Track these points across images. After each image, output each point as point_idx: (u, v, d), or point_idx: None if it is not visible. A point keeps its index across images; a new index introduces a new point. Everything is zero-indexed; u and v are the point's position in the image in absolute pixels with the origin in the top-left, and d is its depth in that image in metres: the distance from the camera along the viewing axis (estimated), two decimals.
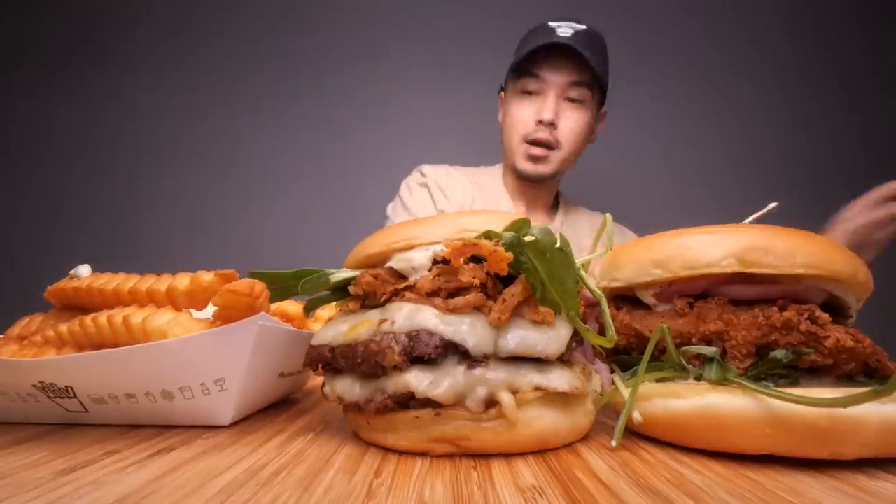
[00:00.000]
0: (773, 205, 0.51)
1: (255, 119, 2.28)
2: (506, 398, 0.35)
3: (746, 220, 0.49)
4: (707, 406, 0.36)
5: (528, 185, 1.42)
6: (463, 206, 1.43)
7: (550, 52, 1.30)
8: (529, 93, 1.35)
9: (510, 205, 1.46)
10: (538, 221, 1.44)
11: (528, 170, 1.36)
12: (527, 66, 1.33)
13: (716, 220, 0.44)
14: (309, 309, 0.46)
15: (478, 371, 0.35)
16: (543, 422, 0.36)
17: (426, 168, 1.50)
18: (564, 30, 1.32)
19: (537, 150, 1.34)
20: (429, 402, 0.35)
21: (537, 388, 0.36)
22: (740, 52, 2.37)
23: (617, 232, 1.55)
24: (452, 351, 0.35)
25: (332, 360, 0.40)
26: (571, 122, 1.35)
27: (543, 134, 1.33)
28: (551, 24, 1.36)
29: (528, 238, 0.35)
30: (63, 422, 0.46)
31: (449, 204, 1.43)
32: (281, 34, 2.29)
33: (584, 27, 1.34)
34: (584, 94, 1.34)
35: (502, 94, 1.47)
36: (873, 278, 0.42)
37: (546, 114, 1.31)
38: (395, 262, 0.40)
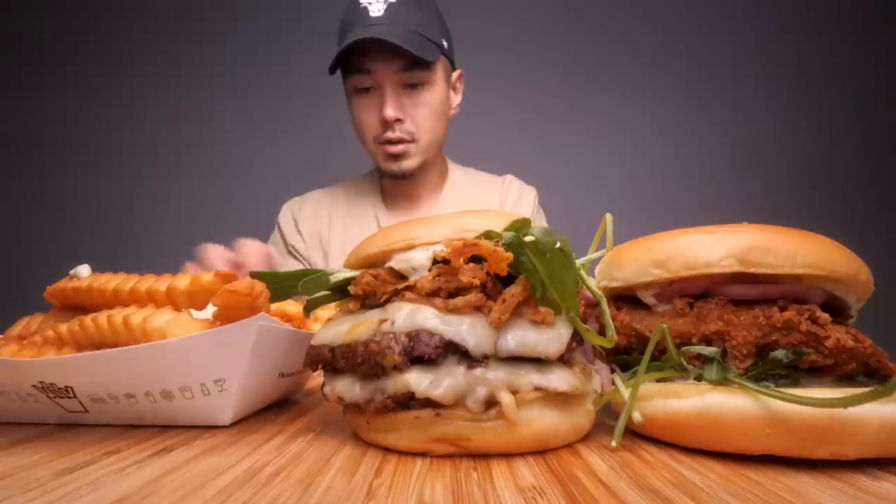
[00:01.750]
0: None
1: (257, 120, 2.28)
2: (506, 398, 0.35)
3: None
4: (707, 406, 0.36)
5: (401, 179, 1.34)
6: (317, 232, 1.40)
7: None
8: (365, 89, 1.24)
9: (380, 208, 1.41)
10: (429, 202, 1.40)
11: (394, 169, 1.29)
12: (352, 62, 1.21)
13: (716, 220, 0.44)
14: (309, 309, 0.46)
15: (478, 371, 0.35)
16: (543, 422, 0.36)
17: (285, 207, 1.48)
18: (376, 7, 1.19)
19: (394, 149, 1.26)
20: (429, 403, 0.35)
21: (537, 389, 0.36)
22: (741, 52, 2.37)
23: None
24: (452, 351, 0.36)
25: (332, 360, 0.40)
26: (418, 109, 1.25)
27: (393, 133, 1.24)
28: (361, 2, 1.21)
29: (528, 238, 0.35)
30: (63, 422, 0.46)
31: (301, 237, 1.41)
32: (282, 35, 2.29)
33: None
34: (423, 75, 1.23)
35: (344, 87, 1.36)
36: (873, 278, 0.42)
37: (388, 111, 1.21)
38: (395, 262, 0.40)
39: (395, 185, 1.39)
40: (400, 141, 1.25)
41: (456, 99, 1.40)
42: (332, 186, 1.50)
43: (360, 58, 1.20)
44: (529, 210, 1.45)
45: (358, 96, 1.26)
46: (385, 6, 1.19)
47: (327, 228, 1.41)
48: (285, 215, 1.47)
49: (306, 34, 2.28)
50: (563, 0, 2.33)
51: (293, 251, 1.42)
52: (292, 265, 1.41)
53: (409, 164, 1.28)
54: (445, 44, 1.29)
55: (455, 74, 1.38)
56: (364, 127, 1.28)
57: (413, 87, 1.24)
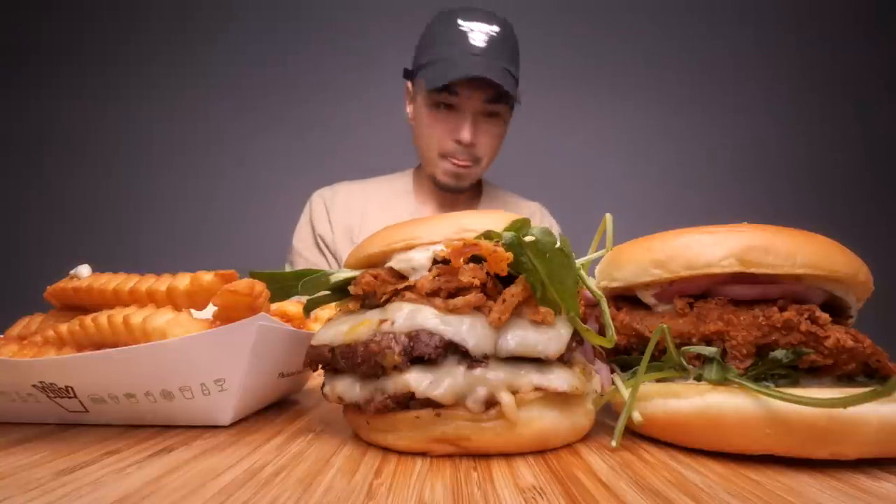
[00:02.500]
0: None
1: (255, 119, 2.28)
2: (506, 398, 0.35)
3: None
4: (707, 406, 0.36)
5: (447, 190, 1.40)
6: (351, 225, 1.41)
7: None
8: (444, 105, 1.29)
9: (414, 209, 1.43)
10: None
11: (451, 184, 1.36)
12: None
13: (716, 220, 0.44)
14: (309, 309, 0.46)
15: (478, 371, 0.35)
16: (543, 422, 0.36)
17: (315, 194, 1.49)
18: (477, 36, 1.24)
19: (458, 169, 1.33)
20: (429, 403, 0.35)
21: (537, 389, 0.36)
22: (741, 55, 2.37)
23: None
24: (452, 351, 0.35)
25: (332, 360, 0.40)
26: (489, 137, 1.33)
27: (463, 155, 1.31)
28: (461, 24, 1.26)
29: (528, 238, 0.35)
30: (63, 422, 0.46)
31: (331, 226, 1.41)
32: (282, 36, 2.29)
33: (496, 29, 1.26)
34: (501, 108, 1.31)
35: (410, 85, 1.40)
36: (873, 278, 0.42)
37: (465, 135, 1.28)
38: (395, 262, 0.40)
39: (433, 194, 1.43)
40: (465, 162, 1.32)
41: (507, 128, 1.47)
42: (363, 181, 1.51)
43: (454, 80, 1.25)
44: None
45: (436, 109, 1.31)
46: (487, 38, 1.24)
47: (359, 223, 1.41)
48: (316, 203, 1.46)
49: (303, 34, 2.29)
50: (563, 2, 2.33)
51: (320, 241, 1.42)
52: (315, 256, 1.42)
53: (465, 182, 1.36)
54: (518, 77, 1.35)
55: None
56: (433, 139, 1.32)
57: (489, 115, 1.31)
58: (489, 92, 1.25)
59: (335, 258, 1.41)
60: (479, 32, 1.25)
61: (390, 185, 1.48)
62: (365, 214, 1.42)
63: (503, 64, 1.25)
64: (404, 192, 1.46)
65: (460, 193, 1.41)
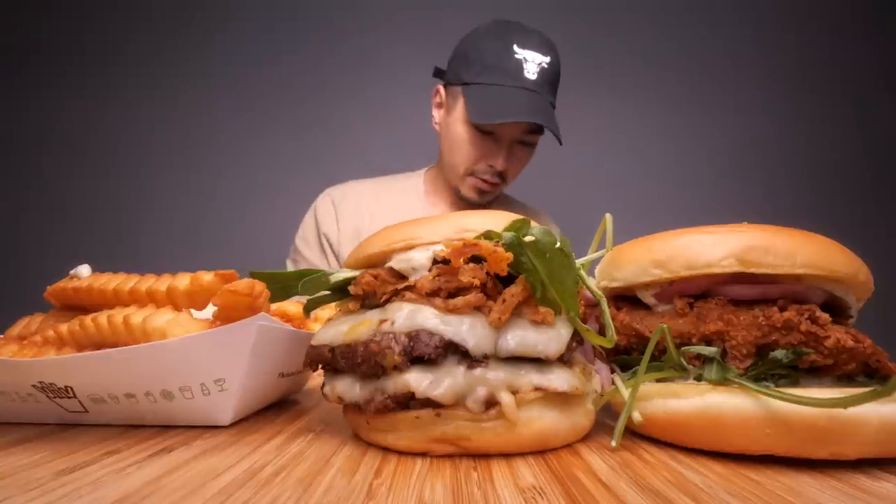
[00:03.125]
0: None
1: (255, 119, 2.28)
2: (506, 398, 0.35)
3: None
4: (707, 406, 0.36)
5: (467, 203, 1.40)
6: (359, 226, 1.39)
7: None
8: (488, 132, 1.28)
9: (425, 213, 1.43)
10: None
11: (476, 200, 1.37)
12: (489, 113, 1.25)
13: (716, 220, 0.44)
14: (309, 309, 0.46)
15: (478, 371, 0.35)
16: (543, 422, 0.36)
17: (323, 193, 1.48)
18: (531, 67, 1.23)
19: (485, 187, 1.33)
20: (429, 403, 0.35)
21: (537, 389, 0.36)
22: (740, 54, 2.37)
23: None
24: (452, 351, 0.35)
25: (332, 360, 0.40)
26: (519, 163, 1.35)
27: (492, 178, 1.32)
28: (517, 51, 1.24)
29: (528, 238, 0.35)
30: (63, 422, 0.46)
31: (337, 226, 1.40)
32: (281, 36, 2.29)
33: (548, 60, 1.25)
34: (536, 138, 1.32)
35: (441, 90, 1.38)
36: (873, 278, 0.42)
37: (500, 163, 1.28)
38: (395, 262, 0.40)
39: (446, 197, 1.43)
40: (493, 182, 1.33)
41: None
42: (373, 180, 1.50)
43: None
44: None
45: (478, 134, 1.29)
46: (538, 69, 1.24)
47: (368, 225, 1.40)
48: (323, 202, 1.45)
49: (302, 34, 2.29)
50: (563, 2, 2.34)
51: (324, 240, 1.41)
52: (316, 257, 1.40)
53: (489, 198, 1.38)
54: (552, 101, 1.34)
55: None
56: (467, 157, 1.31)
57: (524, 144, 1.32)
58: (532, 125, 1.26)
59: (338, 259, 1.40)
60: (532, 63, 1.24)
61: (401, 187, 1.48)
62: (374, 216, 1.41)
63: (549, 98, 1.26)
64: (415, 195, 1.46)
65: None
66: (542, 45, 1.26)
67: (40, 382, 0.42)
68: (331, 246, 1.40)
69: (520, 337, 0.36)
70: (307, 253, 1.41)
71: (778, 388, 0.34)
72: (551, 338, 0.37)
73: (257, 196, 2.23)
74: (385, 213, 1.41)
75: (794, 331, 0.36)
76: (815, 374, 0.37)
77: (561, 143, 1.27)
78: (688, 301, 0.41)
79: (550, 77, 1.26)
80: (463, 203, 1.41)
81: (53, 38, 2.26)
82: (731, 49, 2.37)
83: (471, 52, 1.29)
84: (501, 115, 1.20)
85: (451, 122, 1.33)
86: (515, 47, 1.24)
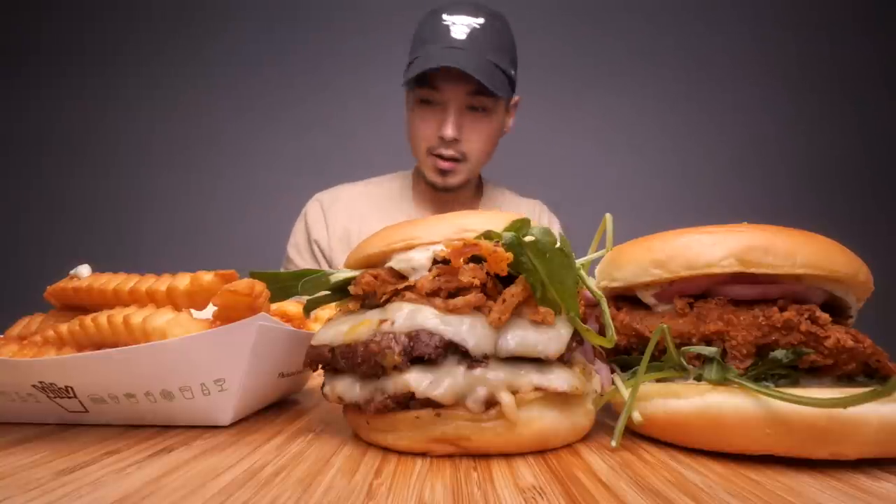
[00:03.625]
0: None
1: (255, 119, 2.28)
2: (506, 398, 0.35)
3: None
4: (707, 406, 0.36)
5: (440, 191, 1.37)
6: (348, 227, 1.39)
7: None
8: (428, 101, 1.26)
9: (413, 212, 1.41)
10: None
11: (438, 182, 1.33)
12: (422, 75, 1.21)
13: (715, 220, 0.44)
14: (309, 309, 0.46)
15: (478, 371, 0.35)
16: (543, 422, 0.36)
17: (312, 199, 1.47)
18: (459, 29, 1.20)
19: (444, 164, 1.29)
20: (429, 403, 0.35)
21: (537, 389, 0.36)
22: (740, 52, 2.37)
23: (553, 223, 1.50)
24: (452, 351, 0.35)
25: (332, 360, 0.40)
26: (476, 134, 1.29)
27: (448, 151, 1.27)
28: (444, 18, 1.22)
29: (528, 238, 0.35)
30: (63, 422, 0.46)
31: (327, 231, 1.39)
32: (281, 36, 2.29)
33: (480, 20, 1.22)
34: (488, 102, 1.26)
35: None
36: (873, 278, 0.42)
37: (448, 131, 1.24)
38: (395, 262, 0.40)
39: (431, 195, 1.41)
40: (451, 159, 1.29)
41: (510, 122, 1.42)
42: (362, 183, 1.49)
43: (431, 74, 1.21)
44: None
45: (420, 107, 1.28)
46: (468, 30, 1.20)
47: (358, 227, 1.39)
48: (312, 208, 1.44)
49: (301, 34, 2.29)
50: (563, 2, 2.34)
51: (315, 246, 1.40)
52: (308, 263, 1.39)
53: (454, 180, 1.33)
54: (514, 73, 1.31)
55: (514, 100, 1.39)
56: (420, 137, 1.30)
57: (475, 110, 1.27)
58: (471, 85, 1.20)
59: (329, 264, 1.39)
60: (461, 25, 1.21)
61: (389, 186, 1.47)
62: (364, 217, 1.40)
63: (487, 56, 1.20)
64: (403, 194, 1.45)
65: (455, 193, 1.38)
66: (474, 10, 1.23)
67: (40, 382, 0.42)
68: (322, 252, 1.40)
69: (520, 337, 0.36)
70: (299, 261, 1.41)
71: (778, 388, 0.34)
72: (551, 338, 0.37)
73: (257, 196, 2.23)
74: (375, 213, 1.40)
75: (794, 331, 0.36)
76: (815, 374, 0.37)
77: (483, 93, 1.22)
78: (688, 301, 0.41)
79: (487, 36, 1.22)
80: (445, 195, 1.38)
81: (53, 38, 2.26)
82: (730, 48, 2.37)
83: (412, 42, 1.29)
84: (423, 67, 1.18)
85: (408, 108, 1.33)
86: (444, 16, 1.23)
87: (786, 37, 2.37)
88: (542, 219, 1.51)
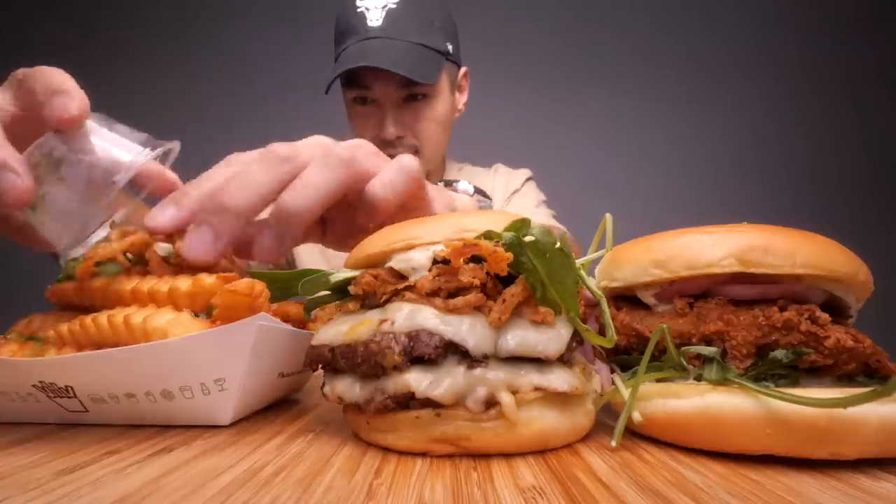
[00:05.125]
0: None
1: (255, 119, 2.28)
2: (506, 398, 0.35)
3: None
4: (707, 406, 0.36)
5: None
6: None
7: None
8: (363, 100, 1.17)
9: None
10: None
11: None
12: (349, 74, 1.12)
13: (715, 219, 0.44)
14: (309, 309, 0.46)
15: (478, 371, 0.35)
16: (543, 422, 0.36)
17: None
18: (374, 13, 1.11)
19: None
20: (429, 403, 0.35)
21: (537, 389, 0.36)
22: (740, 53, 2.37)
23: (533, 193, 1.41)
24: (452, 351, 0.36)
25: (332, 360, 0.40)
26: (422, 124, 1.18)
27: (396, 150, 1.18)
28: (358, 5, 1.12)
29: (528, 238, 0.35)
30: (63, 422, 0.46)
31: None
32: (281, 35, 2.30)
33: (395, 1, 1.11)
34: (425, 88, 1.15)
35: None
36: (873, 278, 0.42)
37: (388, 130, 1.15)
38: (395, 262, 0.40)
39: None
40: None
41: (462, 99, 1.34)
42: None
43: (358, 71, 1.12)
44: (516, 186, 1.38)
45: (356, 106, 1.19)
46: (384, 13, 1.11)
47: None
48: None
49: (304, 33, 2.29)
50: (563, 1, 2.34)
51: None
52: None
53: None
54: (450, 47, 1.21)
55: (461, 73, 1.30)
56: (362, 138, 1.25)
57: (415, 99, 1.17)
58: (401, 77, 1.11)
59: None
60: (375, 9, 1.12)
61: None
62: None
63: (411, 38, 1.11)
64: None
65: None
66: None
67: (40, 382, 0.42)
68: None
69: (520, 337, 0.36)
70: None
71: (778, 388, 0.34)
72: (551, 338, 0.37)
73: None
74: None
75: (794, 331, 0.36)
76: (815, 374, 0.37)
77: (417, 82, 1.12)
78: (688, 301, 0.41)
79: (408, 14, 1.13)
80: None
81: (55, 37, 2.26)
82: (731, 49, 2.37)
83: (334, 35, 1.21)
84: (338, 71, 1.10)
85: (347, 106, 1.25)
86: (357, 3, 1.14)
87: (786, 38, 2.37)
88: (498, 180, 1.41)
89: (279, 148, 0.46)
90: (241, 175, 0.44)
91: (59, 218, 0.44)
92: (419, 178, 0.50)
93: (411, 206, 0.53)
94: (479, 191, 0.73)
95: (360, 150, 0.50)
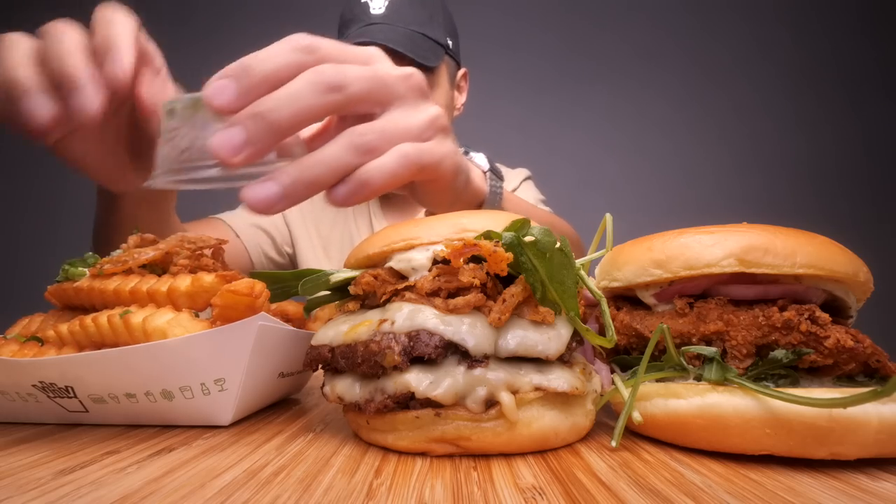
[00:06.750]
0: None
1: None
2: (506, 398, 0.35)
3: None
4: (707, 406, 0.36)
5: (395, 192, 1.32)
6: (314, 214, 1.34)
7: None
8: None
9: (375, 208, 1.36)
10: (415, 211, 1.36)
11: None
12: None
13: (715, 219, 0.44)
14: (309, 309, 0.46)
15: (478, 371, 0.35)
16: (543, 422, 0.36)
17: None
18: (377, 3, 1.13)
19: None
20: (429, 403, 0.35)
21: (537, 389, 0.36)
22: (740, 52, 2.37)
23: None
24: (452, 351, 0.36)
25: (332, 360, 0.40)
26: None
27: None
28: None
29: (527, 238, 0.35)
30: (63, 422, 0.46)
31: (300, 211, 1.34)
32: (280, 34, 2.30)
33: None
34: (425, 73, 1.13)
35: None
36: (873, 278, 0.42)
37: None
38: (395, 262, 0.40)
39: (389, 194, 1.37)
40: None
41: (460, 99, 1.35)
42: None
43: None
44: (514, 185, 1.39)
45: None
46: (387, 3, 1.14)
47: (332, 216, 1.34)
48: None
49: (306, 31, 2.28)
50: (562, 1, 2.34)
51: (284, 218, 1.34)
52: (280, 227, 1.34)
53: None
54: (450, 42, 1.23)
55: (460, 73, 1.32)
56: None
57: None
58: (401, 63, 1.11)
59: (274, 241, 1.32)
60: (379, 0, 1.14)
61: None
62: (336, 210, 1.36)
63: (411, 27, 1.13)
64: None
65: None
66: None
67: (40, 382, 0.42)
68: (289, 228, 1.33)
69: (520, 337, 0.36)
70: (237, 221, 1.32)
71: (778, 388, 0.34)
72: (551, 338, 0.37)
73: None
74: (343, 209, 1.33)
75: (794, 331, 0.36)
76: (815, 374, 0.37)
77: (417, 62, 1.13)
78: (688, 301, 0.41)
79: (407, 7, 1.15)
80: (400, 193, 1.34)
81: None
82: (731, 48, 2.37)
83: (337, 30, 1.23)
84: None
85: None
86: None
87: (786, 37, 2.37)
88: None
89: (329, 71, 0.43)
90: (291, 91, 0.42)
91: (176, 140, 0.44)
92: (418, 166, 0.48)
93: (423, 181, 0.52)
94: (494, 169, 0.72)
95: (430, 129, 0.49)
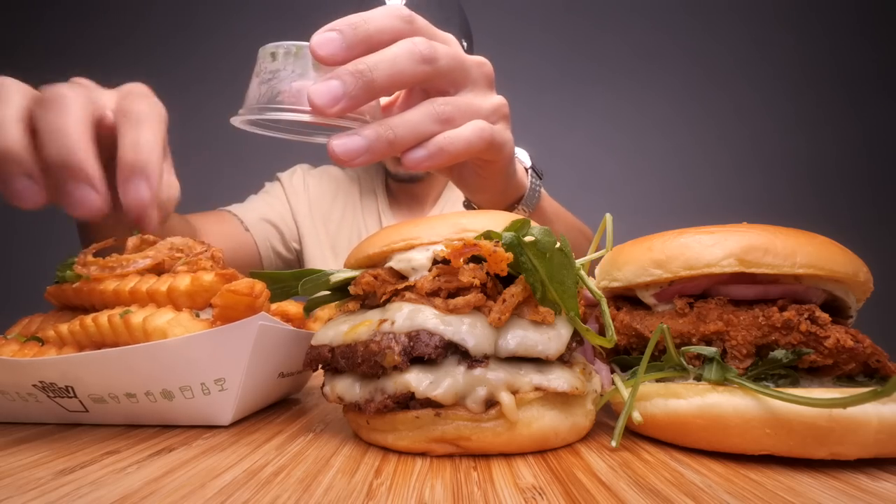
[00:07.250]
0: None
1: None
2: (506, 398, 0.35)
3: None
4: (707, 406, 0.36)
5: (405, 182, 1.34)
6: (323, 208, 1.35)
7: None
8: None
9: (384, 206, 1.38)
10: (431, 201, 1.39)
11: (402, 173, 1.30)
12: None
13: (715, 219, 0.44)
14: (309, 309, 0.46)
15: (478, 371, 0.35)
16: (543, 422, 0.36)
17: (297, 166, 1.44)
18: (395, 2, 1.12)
19: None
20: (429, 403, 0.35)
21: (537, 389, 0.36)
22: (740, 52, 2.37)
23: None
24: (452, 351, 0.36)
25: (332, 360, 0.40)
26: None
27: None
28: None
29: (528, 238, 0.35)
30: (63, 422, 0.46)
31: (308, 205, 1.35)
32: (279, 34, 2.30)
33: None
34: None
35: None
36: (873, 278, 0.42)
37: None
38: (395, 262, 0.40)
39: (400, 185, 1.39)
40: None
41: None
42: (337, 168, 1.44)
43: None
44: None
45: None
46: (404, 3, 1.14)
47: (341, 213, 1.36)
48: (295, 174, 1.40)
49: (305, 32, 2.29)
50: (562, 1, 2.34)
51: (293, 213, 1.35)
52: (288, 222, 1.35)
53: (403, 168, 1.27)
54: (465, 44, 1.24)
55: None
56: None
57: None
58: None
59: (297, 238, 1.34)
60: (394, 1, 1.13)
61: (362, 178, 1.44)
62: (346, 205, 1.38)
63: (431, 17, 1.15)
64: (378, 187, 1.42)
65: (421, 180, 1.35)
66: None
67: (41, 382, 0.42)
68: (296, 221, 1.34)
69: (520, 337, 0.36)
70: (269, 198, 1.36)
71: (778, 388, 0.34)
72: (551, 338, 0.37)
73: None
74: (353, 205, 1.38)
75: (794, 331, 0.36)
76: (815, 374, 0.37)
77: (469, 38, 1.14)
78: (688, 301, 0.41)
79: (429, 10, 1.12)
80: (409, 187, 1.36)
81: (49, 38, 2.26)
82: (731, 49, 2.37)
83: None
84: None
85: None
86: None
87: (786, 37, 2.37)
88: None
89: (423, 44, 0.46)
90: (390, 55, 0.44)
91: (273, 82, 0.45)
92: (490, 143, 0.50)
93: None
94: (534, 167, 0.74)
95: (496, 115, 0.52)
